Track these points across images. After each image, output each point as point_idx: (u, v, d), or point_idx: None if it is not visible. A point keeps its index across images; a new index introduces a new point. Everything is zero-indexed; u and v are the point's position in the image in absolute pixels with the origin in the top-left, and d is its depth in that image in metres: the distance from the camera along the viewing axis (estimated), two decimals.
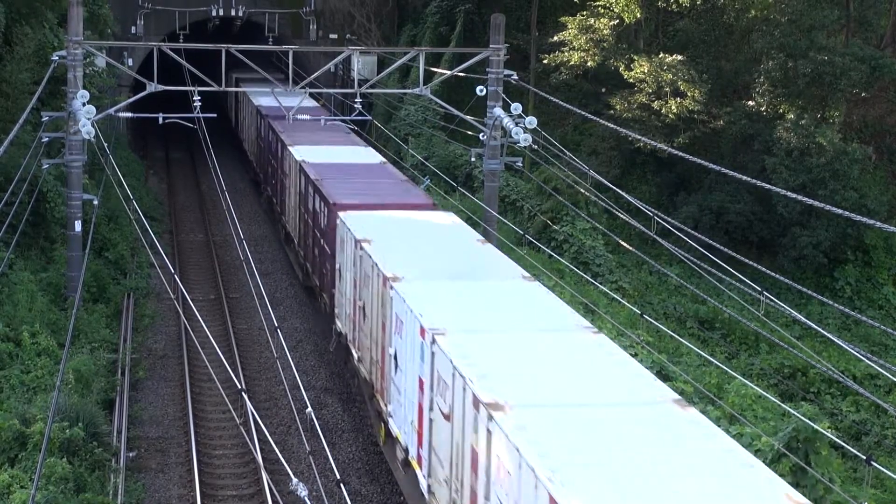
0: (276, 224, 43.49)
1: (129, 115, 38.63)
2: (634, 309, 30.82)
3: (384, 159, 37.14)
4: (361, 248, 24.07)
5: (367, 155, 37.92)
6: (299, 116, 36.33)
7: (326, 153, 36.78)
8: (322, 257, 30.48)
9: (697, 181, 47.27)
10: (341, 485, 19.59)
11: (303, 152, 36.67)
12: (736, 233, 44.98)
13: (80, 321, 29.88)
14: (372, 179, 33.03)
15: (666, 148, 30.01)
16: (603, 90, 51.42)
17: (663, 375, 27.34)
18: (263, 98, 50.06)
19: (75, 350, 27.84)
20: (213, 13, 59.63)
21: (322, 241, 30.42)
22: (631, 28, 50.09)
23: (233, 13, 59.93)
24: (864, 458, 18.92)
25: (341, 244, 26.87)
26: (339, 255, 27.21)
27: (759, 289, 25.07)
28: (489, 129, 33.99)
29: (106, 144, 35.08)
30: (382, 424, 22.47)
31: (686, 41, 49.01)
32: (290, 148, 37.97)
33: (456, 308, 19.45)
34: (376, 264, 22.52)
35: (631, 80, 47.31)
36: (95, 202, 33.03)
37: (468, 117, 35.88)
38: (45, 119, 32.41)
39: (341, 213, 27.21)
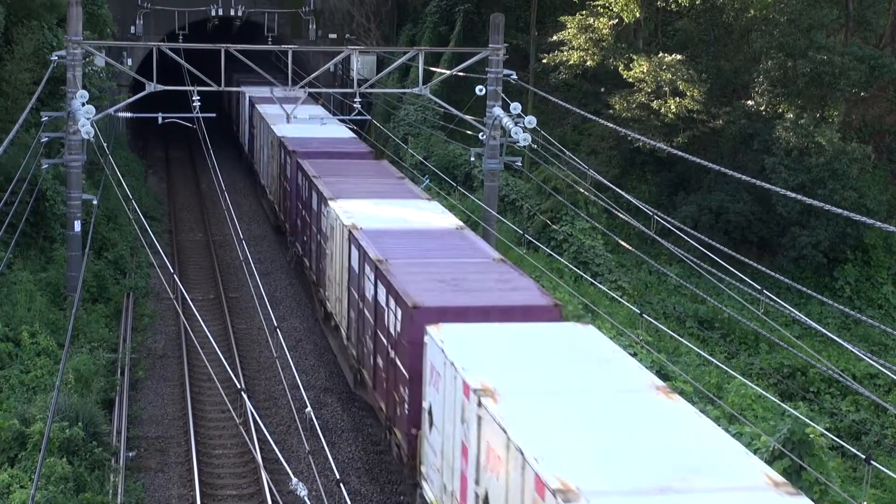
0: (310, 292, 34.38)
1: (129, 114, 38.69)
2: (634, 308, 30.83)
3: (460, 223, 27.68)
4: (481, 405, 15.82)
5: (437, 214, 28.59)
6: (298, 116, 36.21)
7: (384, 213, 28.13)
8: (393, 375, 21.71)
9: (697, 181, 47.27)
10: (341, 484, 19.58)
11: (352, 212, 27.84)
12: (735, 232, 44.99)
13: (79, 321, 29.90)
14: (456, 259, 24.13)
15: (665, 147, 30.02)
16: (602, 90, 51.43)
17: (663, 375, 27.38)
18: (287, 127, 40.10)
19: (75, 350, 27.86)
20: (213, 13, 59.64)
21: (392, 352, 21.74)
22: (630, 27, 50.10)
23: (232, 13, 59.94)
24: (864, 457, 18.93)
25: (434, 377, 18.58)
26: (428, 389, 19.02)
27: (759, 288, 25.08)
28: (488, 129, 33.99)
29: (105, 144, 35.10)
30: None
31: (685, 41, 49.02)
32: (332, 205, 28.98)
33: None
34: (521, 452, 14.15)
35: (630, 80, 47.31)
36: (95, 202, 33.06)
37: (468, 117, 35.89)
38: (44, 119, 32.43)
39: (431, 328, 18.98)
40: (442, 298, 20.97)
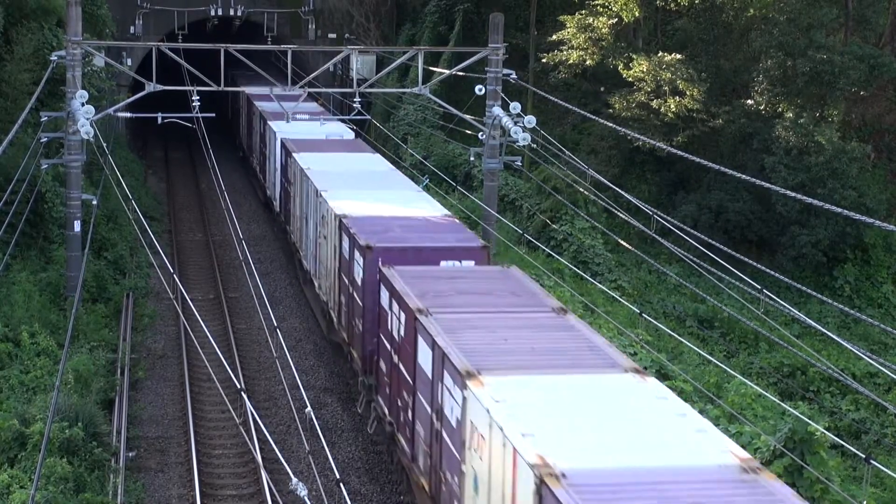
0: (402, 481, 22.35)
1: (128, 115, 38.67)
2: (634, 308, 30.82)
3: (742, 452, 13.90)
4: None
5: (679, 416, 14.92)
6: (298, 116, 36.14)
7: (583, 424, 14.58)
8: None
9: (696, 180, 47.27)
10: (341, 484, 19.59)
11: (524, 421, 14.49)
12: (735, 231, 44.98)
13: (79, 321, 29.89)
14: None
15: (665, 147, 30.03)
16: (602, 89, 51.43)
17: (662, 374, 27.39)
18: (348, 202, 28.59)
19: (74, 350, 27.85)
20: (212, 13, 59.64)
21: None
22: (630, 27, 50.09)
23: (231, 13, 59.95)
24: (864, 456, 18.94)
25: None
26: None
27: (759, 287, 25.07)
28: (488, 129, 33.99)
29: (105, 144, 35.09)
30: None
31: (685, 40, 49.01)
32: (477, 391, 15.71)
33: None
34: None
35: (630, 79, 47.30)
36: (94, 202, 33.05)
37: (467, 116, 35.89)
38: (44, 119, 32.42)
39: None
40: None
